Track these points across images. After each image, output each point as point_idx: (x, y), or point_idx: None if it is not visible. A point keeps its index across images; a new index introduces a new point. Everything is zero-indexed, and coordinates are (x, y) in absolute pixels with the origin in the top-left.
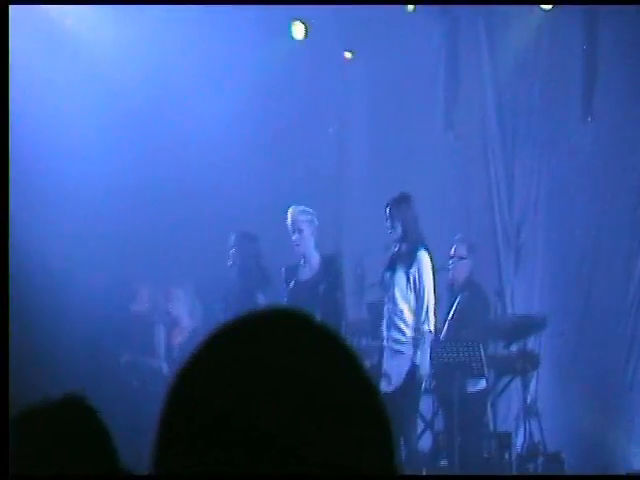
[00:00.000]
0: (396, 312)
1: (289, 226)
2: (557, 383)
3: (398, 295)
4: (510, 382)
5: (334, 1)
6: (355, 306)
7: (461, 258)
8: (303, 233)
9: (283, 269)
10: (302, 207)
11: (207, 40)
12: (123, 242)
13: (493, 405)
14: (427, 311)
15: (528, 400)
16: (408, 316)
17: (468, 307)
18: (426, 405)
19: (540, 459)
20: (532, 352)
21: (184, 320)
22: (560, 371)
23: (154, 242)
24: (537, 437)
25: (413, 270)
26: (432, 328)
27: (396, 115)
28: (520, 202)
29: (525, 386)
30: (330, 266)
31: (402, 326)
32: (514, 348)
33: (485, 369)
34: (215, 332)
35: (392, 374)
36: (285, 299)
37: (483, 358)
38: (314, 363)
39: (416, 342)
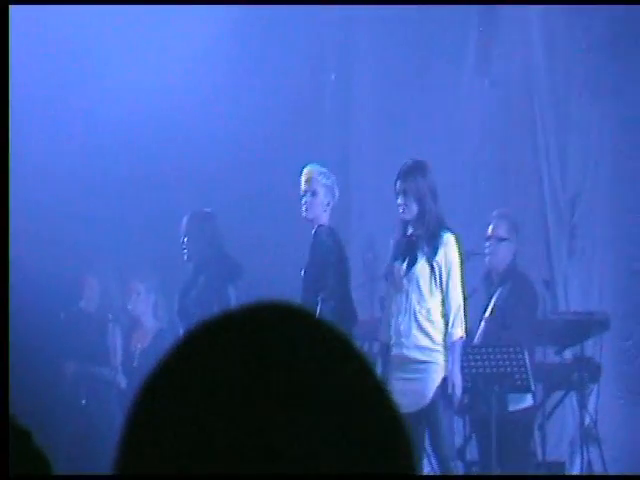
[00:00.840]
0: (421, 312)
1: (302, 187)
2: (623, 400)
3: (423, 290)
4: (563, 398)
5: None
6: (364, 301)
7: (501, 240)
8: (317, 197)
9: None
10: (324, 169)
11: None
12: (72, 225)
13: (542, 427)
14: (457, 310)
15: (586, 421)
16: (437, 317)
17: (510, 302)
18: (456, 428)
19: None
20: (591, 360)
21: (146, 320)
22: (627, 385)
23: (110, 226)
24: (598, 468)
25: (439, 258)
26: (463, 332)
27: (413, 54)
28: (576, 169)
29: (582, 403)
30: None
31: (430, 329)
32: (568, 355)
33: (531, 382)
34: (191, 334)
35: (417, 389)
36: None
37: (529, 367)
38: (313, 371)
39: (446, 349)
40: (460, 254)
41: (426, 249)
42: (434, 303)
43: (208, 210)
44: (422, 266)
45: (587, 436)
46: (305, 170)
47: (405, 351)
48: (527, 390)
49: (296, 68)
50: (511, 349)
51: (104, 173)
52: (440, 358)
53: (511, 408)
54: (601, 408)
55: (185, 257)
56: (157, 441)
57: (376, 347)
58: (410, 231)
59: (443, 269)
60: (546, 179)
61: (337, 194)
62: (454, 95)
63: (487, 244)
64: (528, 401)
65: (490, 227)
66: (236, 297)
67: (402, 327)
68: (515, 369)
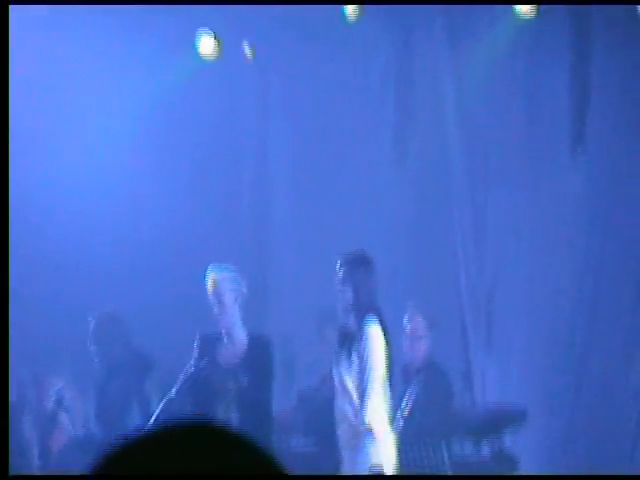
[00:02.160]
0: (346, 402)
1: (209, 295)
2: None
3: (347, 386)
4: None
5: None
6: (283, 397)
7: (417, 337)
8: (225, 305)
9: (197, 342)
10: (225, 267)
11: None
12: None
13: None
14: (376, 406)
15: None
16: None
17: (425, 395)
18: None
19: None
20: (509, 455)
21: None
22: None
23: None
24: None
25: (361, 347)
26: (373, 424)
27: (331, 145)
28: (493, 257)
29: None
30: (256, 348)
31: (354, 418)
32: (486, 449)
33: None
34: (113, 455)
35: None
36: (188, 385)
37: (446, 461)
38: None
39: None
40: (387, 343)
41: (352, 339)
42: (357, 394)
43: (113, 311)
44: (347, 360)
45: None
46: (208, 278)
47: (342, 442)
48: None
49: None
50: (428, 442)
51: None
52: (368, 447)
53: None
54: None
55: (96, 361)
56: None
57: (294, 441)
58: (345, 322)
59: (365, 359)
60: (462, 265)
61: (244, 284)
62: (372, 182)
63: (404, 340)
64: None
65: (405, 320)
66: (152, 391)
67: (338, 419)
68: (432, 462)
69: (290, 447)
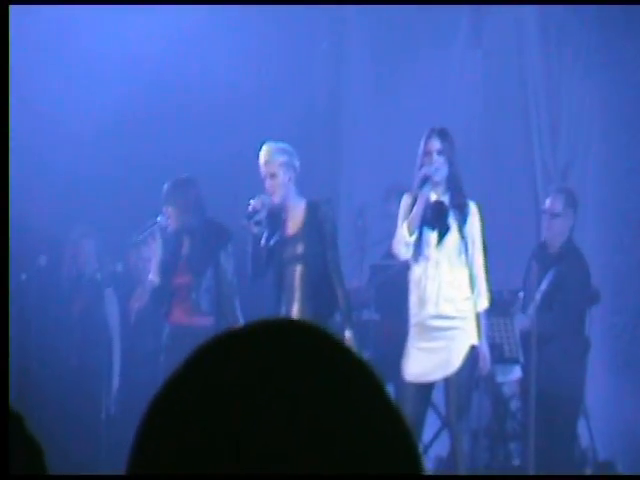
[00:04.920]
0: (449, 280)
1: (261, 169)
2: (610, 373)
3: (453, 259)
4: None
5: None
6: (354, 270)
7: (555, 215)
8: (277, 179)
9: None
10: (279, 144)
11: None
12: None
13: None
14: (482, 280)
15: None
16: (464, 286)
17: (566, 280)
18: (439, 398)
19: (588, 469)
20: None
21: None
22: (614, 358)
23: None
24: (585, 442)
25: (468, 228)
26: (488, 302)
27: (406, 26)
28: (567, 141)
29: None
30: (319, 217)
31: (457, 298)
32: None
33: (520, 353)
34: (202, 350)
35: (442, 358)
36: (258, 261)
37: (518, 339)
38: (324, 393)
39: (470, 318)
40: (482, 224)
41: (456, 218)
42: (462, 272)
43: (188, 176)
44: (453, 235)
45: None
46: (262, 152)
47: (430, 320)
48: (515, 362)
49: (288, 36)
50: (501, 320)
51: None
52: (465, 326)
53: (499, 379)
54: (589, 382)
55: (168, 227)
56: (166, 462)
57: (365, 315)
58: (435, 197)
59: (469, 239)
60: (537, 151)
61: (298, 165)
62: (446, 67)
63: (543, 219)
64: (516, 373)
65: (547, 201)
66: (227, 262)
67: (428, 295)
68: (504, 340)
69: (361, 319)
